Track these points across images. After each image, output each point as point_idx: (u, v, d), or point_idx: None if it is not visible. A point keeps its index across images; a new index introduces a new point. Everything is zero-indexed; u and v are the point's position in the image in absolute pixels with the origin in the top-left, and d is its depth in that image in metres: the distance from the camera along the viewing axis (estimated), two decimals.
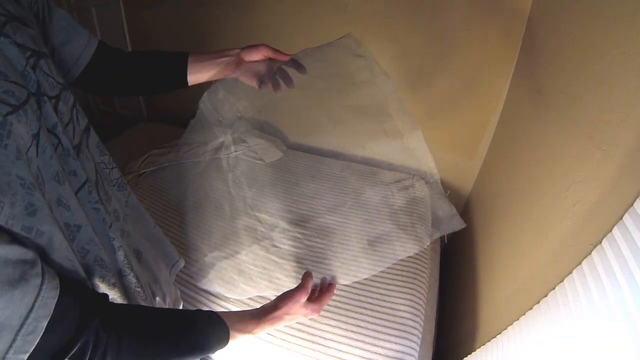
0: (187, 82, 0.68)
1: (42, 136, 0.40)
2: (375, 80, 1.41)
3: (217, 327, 0.52)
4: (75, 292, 0.38)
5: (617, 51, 0.67)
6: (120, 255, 0.53)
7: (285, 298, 0.63)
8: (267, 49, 0.68)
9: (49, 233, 0.37)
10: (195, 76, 0.68)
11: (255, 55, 0.68)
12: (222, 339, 0.52)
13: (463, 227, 1.40)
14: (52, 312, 0.34)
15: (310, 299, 0.68)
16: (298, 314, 0.63)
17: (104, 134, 2.17)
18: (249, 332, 0.57)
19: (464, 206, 1.72)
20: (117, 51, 0.64)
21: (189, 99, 2.04)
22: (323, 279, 0.80)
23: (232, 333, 0.54)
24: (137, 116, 2.24)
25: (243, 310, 0.60)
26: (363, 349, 0.96)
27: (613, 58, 0.68)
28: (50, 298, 0.34)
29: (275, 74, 0.67)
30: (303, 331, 1.00)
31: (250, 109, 1.63)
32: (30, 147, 0.38)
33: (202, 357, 0.52)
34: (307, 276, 0.70)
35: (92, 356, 0.37)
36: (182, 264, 0.79)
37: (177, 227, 1.33)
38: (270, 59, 0.69)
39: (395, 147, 1.60)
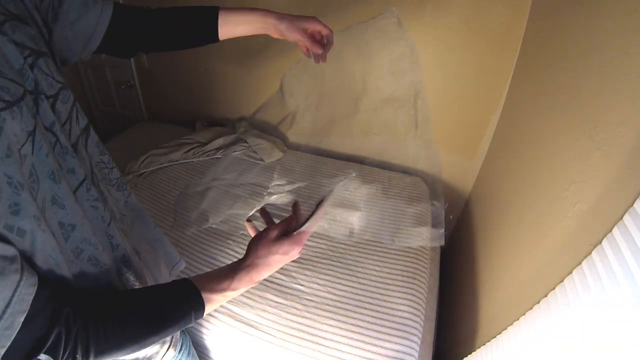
0: (218, 37, 0.67)
1: (39, 134, 0.40)
2: (411, 69, 1.44)
3: (189, 297, 0.49)
4: (51, 288, 0.39)
5: (617, 51, 0.67)
6: (119, 254, 0.53)
7: (252, 243, 0.55)
8: (305, 38, 0.68)
9: (31, 233, 0.37)
10: (227, 32, 0.67)
11: (291, 37, 0.69)
12: (196, 308, 0.49)
13: (441, 244, 1.36)
14: (29, 307, 0.34)
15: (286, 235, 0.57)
16: (274, 253, 0.53)
17: (104, 134, 2.16)
18: (226, 289, 0.51)
19: (464, 206, 1.72)
20: (139, 11, 0.62)
21: (188, 99, 2.05)
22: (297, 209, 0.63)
23: (207, 296, 0.49)
24: (137, 115, 2.24)
25: (216, 269, 0.53)
26: (363, 349, 0.96)
27: (613, 58, 0.68)
28: (27, 294, 0.35)
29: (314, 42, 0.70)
30: (303, 331, 1.00)
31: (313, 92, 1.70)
32: (24, 144, 0.38)
33: (179, 330, 0.50)
34: (262, 212, 0.61)
35: (65, 348, 0.38)
36: (182, 265, 0.79)
37: (177, 227, 1.33)
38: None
39: (409, 150, 1.64)
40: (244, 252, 0.56)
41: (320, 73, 1.60)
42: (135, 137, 1.95)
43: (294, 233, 0.56)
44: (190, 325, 0.50)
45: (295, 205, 0.61)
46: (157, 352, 0.66)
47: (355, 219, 1.33)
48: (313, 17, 0.69)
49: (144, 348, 0.52)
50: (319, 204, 0.59)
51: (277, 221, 0.60)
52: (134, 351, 0.46)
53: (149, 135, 1.93)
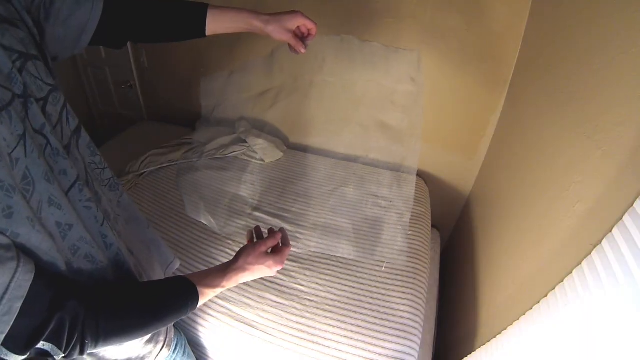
0: (205, 33, 0.69)
1: (29, 137, 0.40)
2: (412, 109, 1.44)
3: (186, 290, 0.55)
4: (49, 276, 0.40)
5: (617, 51, 0.67)
6: (112, 253, 0.54)
7: (244, 250, 0.64)
8: (290, 37, 0.71)
9: (25, 236, 0.38)
10: (214, 28, 0.69)
11: (277, 38, 0.71)
12: (192, 300, 0.55)
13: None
14: (26, 293, 0.35)
15: (274, 253, 0.67)
16: (261, 264, 0.63)
17: (104, 134, 2.13)
18: (217, 286, 0.59)
19: (464, 206, 1.72)
20: (129, 4, 0.63)
21: (188, 99, 2.04)
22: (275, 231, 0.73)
23: (201, 290, 0.56)
24: (137, 115, 2.24)
25: (209, 268, 0.62)
26: (363, 349, 0.96)
27: (613, 58, 0.68)
28: (25, 280, 0.36)
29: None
30: (303, 331, 1.00)
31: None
32: (16, 147, 0.38)
33: (177, 319, 0.55)
34: (256, 230, 0.72)
35: (70, 335, 0.39)
36: (177, 264, 0.79)
37: (177, 227, 1.33)
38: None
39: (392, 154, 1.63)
40: None
41: (317, 63, 1.57)
42: (135, 137, 1.95)
43: (279, 247, 0.68)
44: (186, 315, 0.56)
45: (281, 230, 0.72)
46: (150, 352, 0.66)
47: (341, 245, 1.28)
48: (297, 12, 0.71)
49: (148, 334, 0.61)
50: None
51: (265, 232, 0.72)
52: (139, 336, 0.51)
53: (149, 135, 1.93)
